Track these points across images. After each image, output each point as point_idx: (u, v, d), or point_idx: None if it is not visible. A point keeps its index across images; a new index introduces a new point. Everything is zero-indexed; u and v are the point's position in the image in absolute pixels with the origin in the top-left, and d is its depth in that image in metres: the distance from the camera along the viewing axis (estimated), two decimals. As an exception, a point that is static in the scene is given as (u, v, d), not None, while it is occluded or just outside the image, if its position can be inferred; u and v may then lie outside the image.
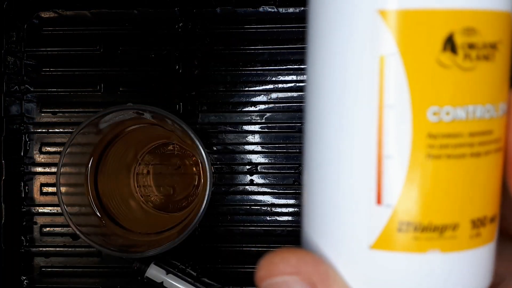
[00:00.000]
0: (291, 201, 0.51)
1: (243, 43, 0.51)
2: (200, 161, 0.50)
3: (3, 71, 0.51)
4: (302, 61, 0.51)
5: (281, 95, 0.51)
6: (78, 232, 0.44)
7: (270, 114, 0.51)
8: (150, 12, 0.51)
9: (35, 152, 0.52)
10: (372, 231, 0.19)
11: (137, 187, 0.53)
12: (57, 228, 0.52)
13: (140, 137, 0.52)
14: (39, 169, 0.52)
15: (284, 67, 0.51)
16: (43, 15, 0.52)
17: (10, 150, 0.51)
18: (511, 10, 0.19)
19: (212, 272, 0.51)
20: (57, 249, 0.52)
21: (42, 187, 0.52)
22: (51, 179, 0.52)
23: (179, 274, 0.49)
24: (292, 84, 0.51)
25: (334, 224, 0.19)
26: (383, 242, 0.19)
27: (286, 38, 0.51)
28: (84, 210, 0.48)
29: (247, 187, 0.51)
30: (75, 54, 0.52)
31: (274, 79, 0.51)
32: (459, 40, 0.18)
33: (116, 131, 0.49)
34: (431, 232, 0.18)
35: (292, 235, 0.51)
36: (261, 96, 0.51)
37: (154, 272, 0.49)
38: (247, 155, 0.51)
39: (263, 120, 0.51)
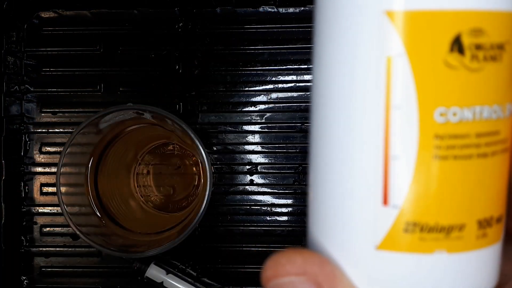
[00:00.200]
0: (291, 201, 0.51)
1: (243, 43, 0.51)
2: (200, 161, 0.50)
3: (3, 71, 0.51)
4: (302, 61, 0.51)
5: (281, 95, 0.51)
6: (78, 232, 0.44)
7: (270, 114, 0.51)
8: (150, 12, 0.51)
9: (35, 152, 0.52)
10: (378, 232, 0.19)
11: (137, 187, 0.53)
12: (57, 228, 0.52)
13: (140, 137, 0.52)
14: (39, 169, 0.52)
15: (284, 67, 0.51)
16: (43, 15, 0.52)
17: (10, 150, 0.51)
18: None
19: (212, 272, 0.51)
20: (57, 249, 0.52)
21: (42, 187, 0.52)
22: (51, 179, 0.52)
23: (179, 274, 0.49)
24: (292, 84, 0.51)
25: (340, 225, 0.19)
26: (389, 243, 0.19)
27: (286, 38, 0.51)
28: (84, 210, 0.48)
29: (247, 187, 0.51)
30: (75, 54, 0.52)
31: (274, 79, 0.51)
32: (466, 41, 0.18)
33: (116, 131, 0.49)
34: (438, 232, 0.18)
35: (292, 235, 0.51)
36: (261, 96, 0.51)
37: (154, 272, 0.49)
38: (247, 155, 0.51)
39: (263, 120, 0.51)
